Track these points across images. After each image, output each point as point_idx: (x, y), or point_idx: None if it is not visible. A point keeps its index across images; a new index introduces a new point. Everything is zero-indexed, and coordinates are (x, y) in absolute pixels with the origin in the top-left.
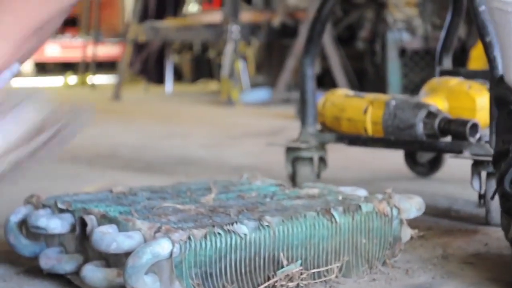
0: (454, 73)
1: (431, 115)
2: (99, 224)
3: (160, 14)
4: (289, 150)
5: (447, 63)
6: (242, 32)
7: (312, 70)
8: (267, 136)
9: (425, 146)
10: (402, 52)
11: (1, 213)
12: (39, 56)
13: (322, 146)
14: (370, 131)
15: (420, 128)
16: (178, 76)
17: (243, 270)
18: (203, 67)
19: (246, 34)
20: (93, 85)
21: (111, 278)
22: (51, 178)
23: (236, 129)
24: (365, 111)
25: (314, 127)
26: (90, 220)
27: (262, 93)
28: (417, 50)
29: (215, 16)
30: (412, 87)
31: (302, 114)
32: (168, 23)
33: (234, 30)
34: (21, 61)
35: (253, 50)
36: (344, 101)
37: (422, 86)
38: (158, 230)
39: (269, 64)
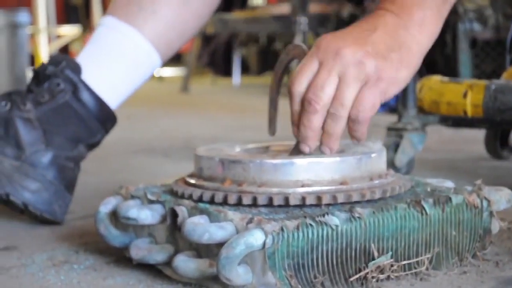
0: None
1: None
2: (190, 215)
3: (227, 6)
4: (392, 132)
5: None
6: (310, 24)
7: None
8: None
9: None
10: (473, 43)
11: (85, 203)
12: None
13: (423, 128)
14: (470, 113)
15: None
16: (245, 68)
17: (334, 261)
18: (269, 59)
19: (314, 26)
20: (160, 78)
21: (203, 269)
22: (128, 170)
23: None
24: (465, 95)
25: (414, 110)
26: (181, 211)
27: None
28: (488, 41)
29: (283, 8)
30: (483, 78)
31: (402, 98)
32: (236, 15)
33: (302, 21)
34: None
35: None
36: (441, 86)
37: (493, 77)
38: (250, 221)
39: None
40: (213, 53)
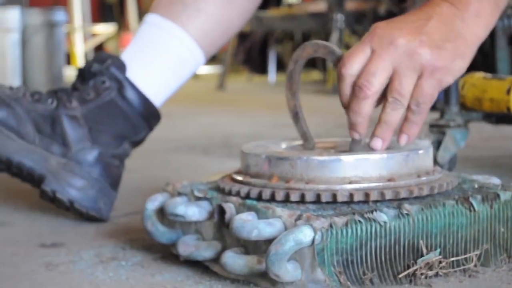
0: None
1: None
2: (238, 211)
3: (263, 4)
4: (435, 129)
5: None
6: (347, 21)
7: None
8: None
9: None
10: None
11: (128, 201)
12: None
13: (465, 125)
14: None
15: None
16: (280, 65)
17: (383, 258)
18: None
19: (351, 23)
20: (196, 76)
21: (252, 265)
22: (170, 168)
23: (345, 118)
24: (508, 92)
25: (457, 106)
26: (229, 207)
27: None
28: None
29: (320, 5)
30: None
31: (445, 95)
32: (272, 13)
33: (338, 18)
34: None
35: (358, 39)
36: (484, 83)
37: None
38: (299, 217)
39: None
40: (248, 50)
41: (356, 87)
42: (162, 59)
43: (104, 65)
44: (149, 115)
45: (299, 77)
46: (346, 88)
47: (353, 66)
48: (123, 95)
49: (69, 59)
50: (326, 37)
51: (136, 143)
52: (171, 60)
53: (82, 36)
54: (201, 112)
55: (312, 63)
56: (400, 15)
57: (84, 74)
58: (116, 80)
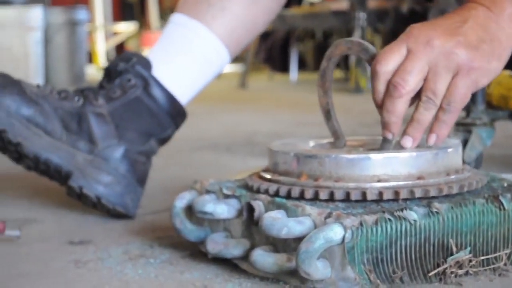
0: None
1: None
2: (267, 209)
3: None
4: (461, 127)
5: None
6: (369, 19)
7: None
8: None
9: None
10: None
11: (153, 198)
12: None
13: (491, 123)
14: None
15: None
16: (301, 64)
17: (413, 256)
18: None
19: (373, 21)
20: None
21: (281, 263)
22: (194, 166)
23: (368, 116)
24: None
25: (483, 105)
26: (258, 205)
27: None
28: None
29: (342, 4)
30: None
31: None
32: (294, 11)
33: (361, 17)
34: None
35: (380, 37)
36: (510, 81)
37: None
38: (329, 215)
39: None
40: (270, 49)
41: (390, 85)
42: (188, 58)
43: (129, 63)
44: (175, 112)
45: (332, 75)
46: (380, 86)
47: (388, 64)
48: (149, 92)
49: (90, 58)
50: (348, 36)
51: (163, 141)
52: (197, 59)
53: (103, 34)
54: (223, 110)
55: None
56: (423, 13)
57: (110, 73)
58: (142, 78)
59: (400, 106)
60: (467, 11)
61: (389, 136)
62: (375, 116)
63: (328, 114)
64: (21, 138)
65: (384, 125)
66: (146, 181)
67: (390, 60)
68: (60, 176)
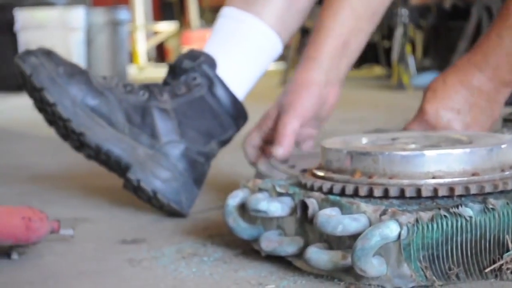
0: None
1: None
2: (321, 207)
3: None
4: (509, 123)
5: None
6: (411, 16)
7: None
8: None
9: None
10: None
11: (203, 197)
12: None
13: None
14: None
15: None
16: None
17: (468, 253)
18: (367, 51)
19: (415, 18)
20: None
21: (336, 260)
22: (240, 164)
23: (412, 113)
24: None
25: None
26: (312, 203)
27: (432, 77)
28: None
29: None
30: None
31: None
32: None
33: (403, 13)
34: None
35: (422, 34)
36: None
37: None
38: (384, 212)
39: (435, 47)
40: None
41: None
42: (246, 54)
43: (196, 61)
44: (237, 114)
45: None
46: None
47: None
48: (213, 92)
49: (131, 58)
50: (390, 32)
51: (223, 143)
52: (253, 52)
53: (144, 34)
54: (267, 108)
55: (375, 59)
56: (465, 9)
57: (174, 70)
58: (207, 77)
59: None
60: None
61: None
62: None
63: None
64: (85, 128)
65: None
66: (203, 182)
67: None
68: (119, 167)
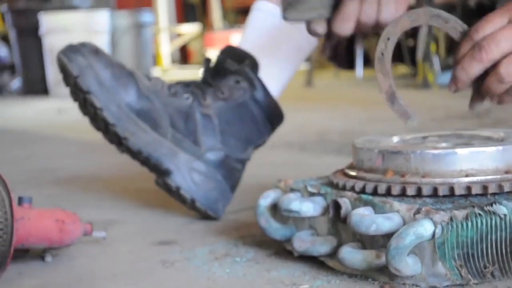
0: None
1: None
2: (353, 206)
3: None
4: None
5: None
6: None
7: None
8: (472, 118)
9: None
10: None
11: (234, 198)
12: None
13: None
14: None
15: None
16: (366, 61)
17: (503, 251)
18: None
19: None
20: None
21: (370, 260)
22: (270, 164)
23: (438, 111)
24: None
25: None
26: (344, 202)
27: None
28: None
29: None
30: None
31: None
32: None
33: None
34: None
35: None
36: None
37: None
38: (418, 211)
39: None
40: (335, 46)
41: (476, 46)
42: (285, 51)
43: (242, 64)
44: (275, 118)
45: (391, 56)
46: (466, 47)
47: (484, 31)
48: (255, 97)
49: (155, 60)
50: (414, 31)
51: (258, 146)
52: (292, 50)
53: (167, 36)
54: (292, 109)
55: (400, 58)
56: (491, 7)
57: (216, 68)
58: (250, 81)
59: (475, 69)
60: None
61: (452, 89)
62: (445, 111)
63: (392, 97)
64: (129, 134)
65: (453, 79)
66: (237, 187)
67: (487, 28)
68: (158, 170)
